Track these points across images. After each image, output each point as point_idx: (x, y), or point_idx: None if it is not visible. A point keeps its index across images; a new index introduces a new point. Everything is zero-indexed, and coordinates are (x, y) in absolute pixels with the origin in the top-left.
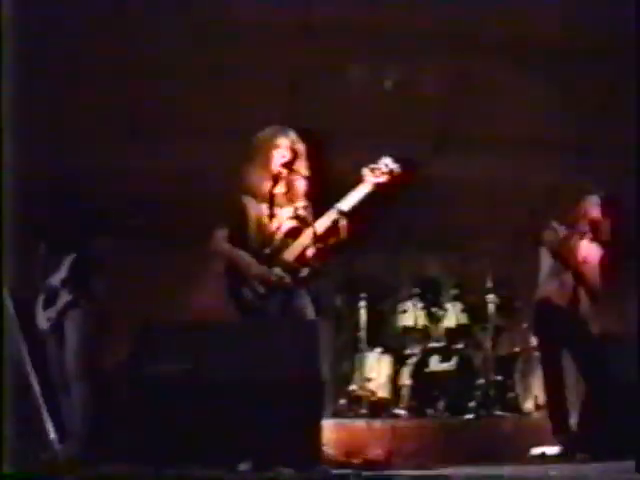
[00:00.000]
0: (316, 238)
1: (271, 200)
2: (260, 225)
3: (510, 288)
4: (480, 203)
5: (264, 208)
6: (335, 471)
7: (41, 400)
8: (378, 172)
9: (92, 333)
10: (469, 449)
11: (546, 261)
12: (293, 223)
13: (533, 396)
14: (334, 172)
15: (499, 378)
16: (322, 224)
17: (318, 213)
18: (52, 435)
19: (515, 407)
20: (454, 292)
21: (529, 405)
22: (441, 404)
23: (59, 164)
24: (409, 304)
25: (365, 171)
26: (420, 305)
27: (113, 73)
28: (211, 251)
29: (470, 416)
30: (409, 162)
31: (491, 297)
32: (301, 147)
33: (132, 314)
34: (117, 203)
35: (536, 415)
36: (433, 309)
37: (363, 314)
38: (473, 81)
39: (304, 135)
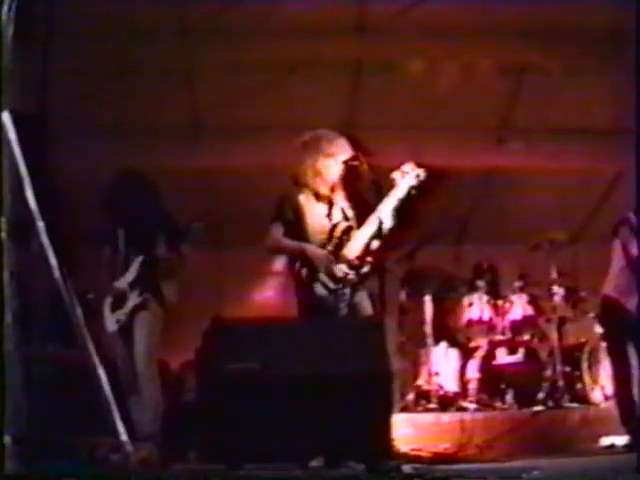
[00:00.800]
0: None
1: (328, 200)
2: (318, 223)
3: (575, 278)
4: (545, 193)
5: (320, 207)
6: (406, 466)
7: (112, 401)
8: (407, 176)
9: (161, 335)
10: (538, 441)
11: (618, 253)
12: (347, 222)
13: (601, 386)
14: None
15: (566, 369)
16: (371, 223)
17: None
18: (123, 437)
19: (583, 398)
20: (519, 284)
21: (597, 396)
22: (509, 396)
23: (121, 164)
24: (474, 297)
25: (394, 175)
26: (485, 298)
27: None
28: (270, 247)
29: (539, 408)
30: (434, 167)
31: (556, 288)
32: (356, 150)
33: (200, 313)
34: (182, 202)
35: (604, 405)
36: (499, 302)
37: (428, 308)
38: (534, 70)
39: (358, 138)
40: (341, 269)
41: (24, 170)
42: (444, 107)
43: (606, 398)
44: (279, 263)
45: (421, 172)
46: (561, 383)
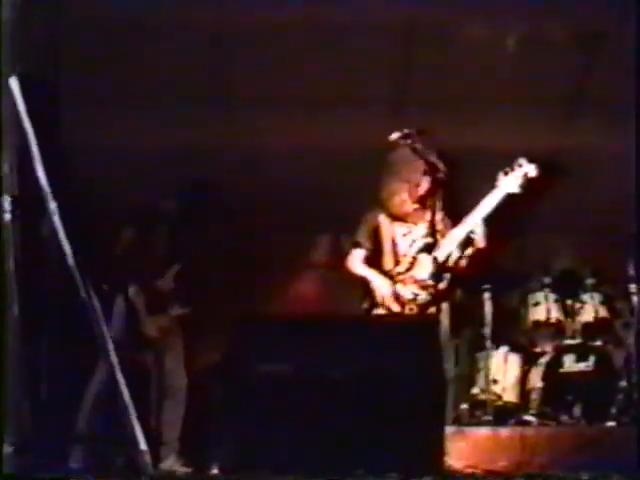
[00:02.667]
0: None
1: (409, 219)
2: (394, 244)
3: None
4: (620, 178)
5: (397, 226)
6: None
7: (131, 409)
8: (512, 177)
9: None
10: (609, 461)
11: None
12: (428, 239)
13: None
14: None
15: None
16: (457, 236)
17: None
18: (143, 446)
19: None
20: (591, 282)
21: None
22: (577, 410)
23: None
24: (540, 295)
25: (500, 176)
26: (553, 297)
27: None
28: (346, 270)
29: (611, 423)
30: (543, 164)
31: (634, 287)
32: (440, 167)
33: (227, 309)
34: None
35: None
36: (568, 301)
37: (488, 308)
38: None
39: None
40: (410, 291)
41: (34, 143)
42: (507, 78)
43: None
44: (319, 254)
45: (531, 170)
46: (637, 396)
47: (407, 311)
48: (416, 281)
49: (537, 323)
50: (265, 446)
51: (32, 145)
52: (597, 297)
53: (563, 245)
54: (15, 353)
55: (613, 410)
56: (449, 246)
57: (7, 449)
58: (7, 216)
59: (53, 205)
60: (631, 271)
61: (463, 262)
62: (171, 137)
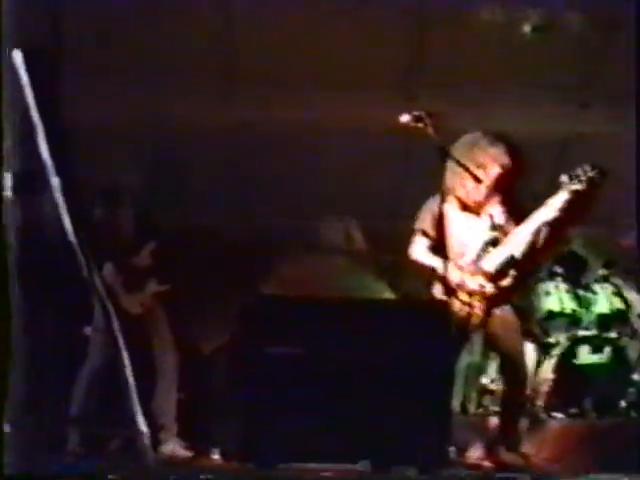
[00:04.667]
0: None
1: (476, 210)
2: (461, 235)
3: None
4: (632, 168)
5: (466, 217)
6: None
7: (133, 388)
8: (577, 179)
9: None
10: (618, 455)
11: None
12: (493, 233)
13: None
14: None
15: None
16: (522, 233)
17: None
18: (143, 428)
19: None
20: (603, 272)
21: None
22: (588, 402)
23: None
24: (551, 285)
25: (564, 178)
26: (564, 286)
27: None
28: (411, 258)
29: (621, 418)
30: (605, 170)
31: None
32: (488, 153)
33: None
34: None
35: None
36: (581, 291)
37: None
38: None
39: (496, 140)
40: (477, 282)
41: (37, 117)
42: (522, 64)
43: None
44: (325, 235)
45: (595, 175)
46: None
47: (474, 302)
48: (483, 273)
49: (551, 313)
50: (270, 431)
51: (35, 119)
52: (610, 288)
53: (574, 234)
54: (17, 331)
55: (624, 404)
56: (519, 242)
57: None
58: (8, 193)
59: (56, 181)
60: None
61: (527, 259)
62: (170, 116)
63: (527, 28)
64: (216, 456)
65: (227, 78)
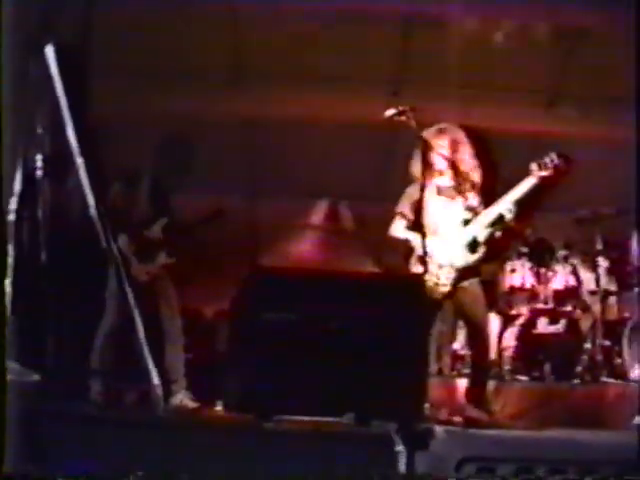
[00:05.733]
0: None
1: (450, 194)
2: (436, 216)
3: (622, 251)
4: (592, 163)
5: (440, 200)
6: (438, 429)
7: (145, 346)
8: (544, 166)
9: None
10: (573, 414)
11: None
12: (466, 214)
13: None
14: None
15: (607, 343)
16: (491, 215)
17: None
18: (155, 381)
19: (621, 374)
20: (563, 253)
21: (636, 373)
22: (547, 367)
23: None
24: (517, 263)
25: (533, 166)
26: (528, 265)
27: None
28: (390, 236)
29: (576, 381)
30: (570, 159)
31: (601, 260)
32: (463, 143)
33: (237, 262)
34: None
35: None
36: (542, 269)
37: None
38: (588, 35)
39: (470, 132)
40: (449, 257)
41: (65, 106)
42: (495, 67)
43: None
44: (318, 215)
45: (559, 162)
46: (600, 357)
47: (445, 274)
48: (455, 250)
49: (514, 288)
50: (266, 387)
51: (63, 108)
52: (568, 267)
53: (538, 219)
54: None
55: (578, 369)
56: (485, 222)
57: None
58: (39, 173)
59: (80, 160)
60: (599, 246)
61: (495, 238)
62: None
63: (500, 34)
64: (219, 408)
65: (232, 75)
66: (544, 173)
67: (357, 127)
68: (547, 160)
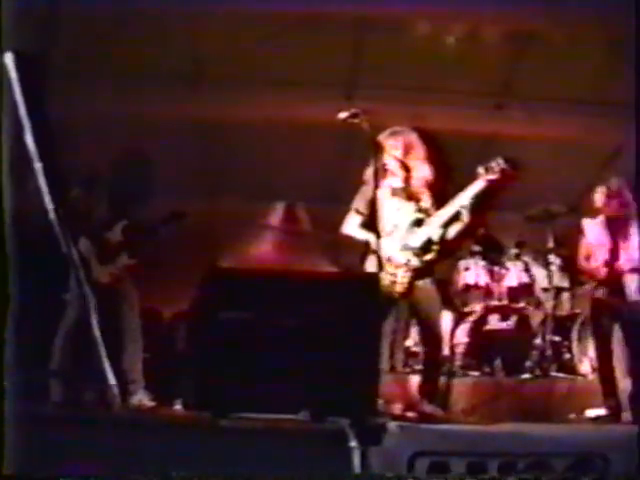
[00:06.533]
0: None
1: (404, 195)
2: (390, 216)
3: (573, 249)
4: (543, 162)
5: (394, 201)
6: (391, 424)
7: (102, 347)
8: (491, 170)
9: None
10: (524, 408)
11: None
12: (419, 215)
13: (590, 358)
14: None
15: (556, 339)
16: (443, 215)
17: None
18: (111, 379)
19: (571, 369)
20: (515, 251)
21: (585, 367)
22: (498, 362)
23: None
24: (471, 262)
25: (480, 169)
26: (481, 263)
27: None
28: (344, 234)
29: (526, 376)
30: (516, 162)
31: (552, 257)
32: (416, 145)
33: (196, 262)
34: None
35: (592, 377)
36: (495, 267)
37: None
38: (537, 38)
39: (422, 134)
40: (404, 256)
41: (23, 112)
42: (447, 70)
43: (594, 370)
44: (275, 217)
45: (505, 167)
46: (550, 352)
47: (400, 274)
48: (409, 249)
49: (468, 286)
50: (223, 385)
51: (22, 114)
52: (520, 265)
53: (491, 218)
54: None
55: (528, 364)
56: (440, 223)
57: None
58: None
59: (39, 165)
60: (550, 244)
61: (448, 237)
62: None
63: (452, 38)
64: (178, 406)
65: (189, 79)
66: (491, 176)
67: (313, 130)
68: (494, 164)
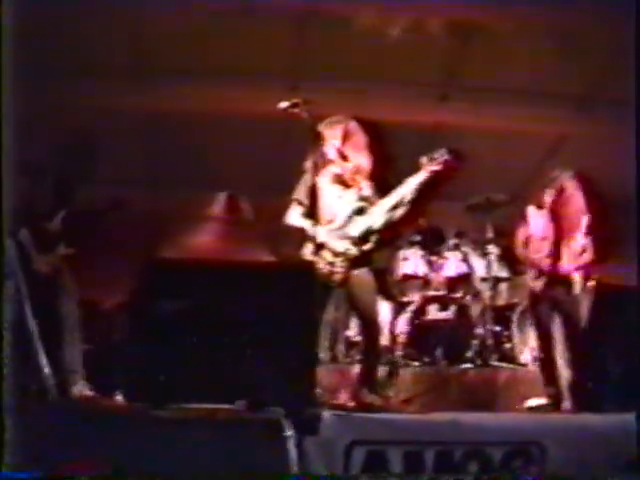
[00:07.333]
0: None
1: (345, 183)
2: (331, 205)
3: (511, 239)
4: (484, 153)
5: (336, 189)
6: (326, 413)
7: (37, 338)
8: (434, 161)
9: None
10: (465, 397)
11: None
12: (360, 203)
13: (530, 348)
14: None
15: (497, 328)
16: (384, 205)
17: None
18: (46, 370)
19: (511, 358)
20: (454, 241)
21: (526, 357)
22: (438, 352)
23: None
24: (409, 252)
25: (423, 159)
26: (420, 253)
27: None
28: (286, 223)
29: (467, 365)
30: (460, 154)
31: (491, 247)
32: (356, 134)
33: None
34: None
35: (532, 366)
36: (433, 257)
37: None
38: (481, 30)
39: (363, 124)
40: (343, 245)
41: None
42: (391, 61)
43: (535, 359)
44: (216, 207)
45: (448, 158)
46: (490, 342)
47: (339, 263)
48: (349, 238)
49: (406, 276)
50: (162, 375)
51: None
52: (459, 255)
53: (430, 208)
54: None
55: (469, 354)
56: (381, 212)
57: None
58: None
59: None
60: (489, 234)
61: (388, 227)
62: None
63: (395, 30)
64: (119, 397)
65: (133, 69)
66: (434, 167)
67: (256, 120)
68: (437, 155)
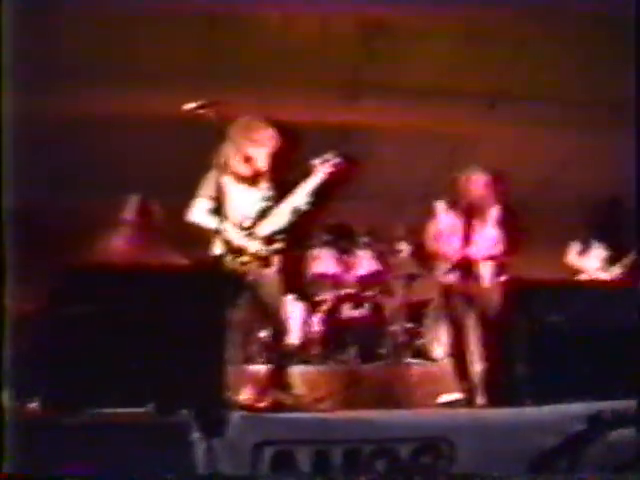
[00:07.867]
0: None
1: (251, 182)
2: (238, 204)
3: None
4: (394, 152)
5: (242, 189)
6: (235, 414)
7: None
8: (325, 164)
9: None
10: (379, 395)
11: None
12: (265, 203)
13: (443, 343)
14: None
15: (410, 325)
16: (288, 205)
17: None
18: None
19: (425, 354)
20: (365, 239)
21: (439, 353)
22: (352, 351)
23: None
24: (320, 251)
25: (315, 162)
26: (331, 252)
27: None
28: (191, 220)
29: (380, 363)
30: (350, 156)
31: (402, 245)
32: (261, 135)
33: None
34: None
35: (446, 362)
36: (344, 256)
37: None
38: (389, 27)
39: (275, 125)
40: (253, 245)
41: None
42: (298, 62)
43: (447, 355)
44: (129, 213)
45: (340, 161)
46: (403, 339)
47: (248, 262)
48: (257, 238)
49: (318, 275)
50: (77, 381)
51: None
52: (370, 253)
53: (341, 207)
54: None
55: (382, 351)
56: (285, 212)
57: None
58: None
59: None
60: (400, 231)
61: (294, 227)
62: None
63: (305, 28)
64: (35, 404)
65: (47, 73)
66: (326, 170)
67: (165, 123)
68: (326, 158)
